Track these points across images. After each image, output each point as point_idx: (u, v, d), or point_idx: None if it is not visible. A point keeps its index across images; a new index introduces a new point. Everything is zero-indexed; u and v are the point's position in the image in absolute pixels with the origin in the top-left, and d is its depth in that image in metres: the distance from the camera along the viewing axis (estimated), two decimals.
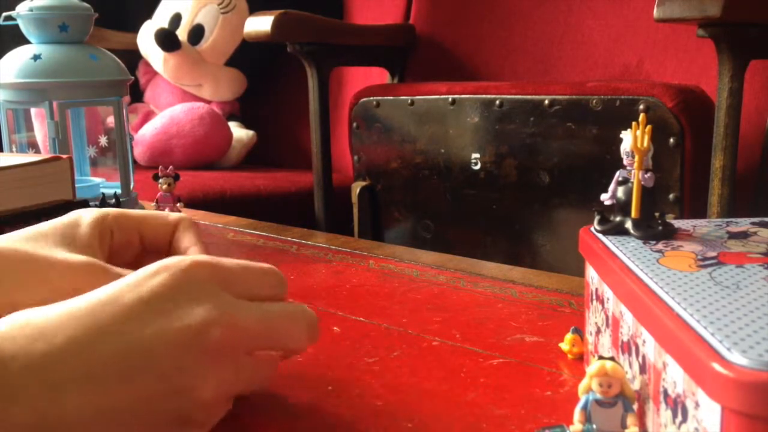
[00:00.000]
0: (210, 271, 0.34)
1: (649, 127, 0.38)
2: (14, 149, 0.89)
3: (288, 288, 0.40)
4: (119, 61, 0.87)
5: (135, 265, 0.42)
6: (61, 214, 0.69)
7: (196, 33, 1.80)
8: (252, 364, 0.35)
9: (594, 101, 1.05)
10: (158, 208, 0.86)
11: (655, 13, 0.82)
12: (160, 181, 0.85)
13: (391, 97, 1.29)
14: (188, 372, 0.31)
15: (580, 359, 0.45)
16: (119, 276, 0.38)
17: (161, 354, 0.31)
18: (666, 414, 0.29)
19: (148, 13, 1.89)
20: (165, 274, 0.33)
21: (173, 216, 0.45)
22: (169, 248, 0.45)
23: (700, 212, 0.96)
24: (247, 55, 1.82)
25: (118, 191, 0.85)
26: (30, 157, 0.72)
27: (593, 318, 0.41)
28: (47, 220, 0.67)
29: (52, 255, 0.39)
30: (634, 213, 0.39)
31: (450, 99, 1.21)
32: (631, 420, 0.30)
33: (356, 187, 1.35)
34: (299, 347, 0.38)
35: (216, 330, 0.32)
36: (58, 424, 0.28)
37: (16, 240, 0.40)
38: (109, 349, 0.30)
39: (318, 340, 0.38)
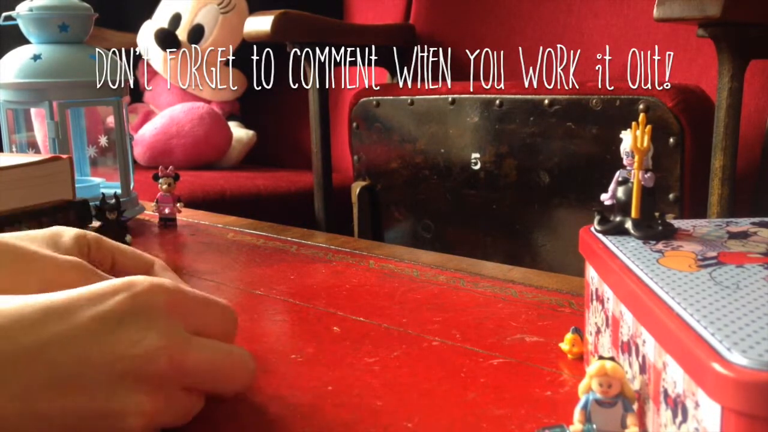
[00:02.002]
0: (168, 298, 0.34)
1: (649, 127, 0.38)
2: (14, 149, 0.88)
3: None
4: (119, 61, 0.87)
5: None
6: (61, 214, 0.69)
7: (196, 33, 1.80)
8: (185, 400, 0.34)
9: (594, 101, 1.05)
10: (158, 208, 0.86)
11: (655, 12, 0.82)
12: (160, 181, 0.85)
13: (391, 97, 1.29)
14: (122, 399, 0.31)
15: (580, 359, 0.45)
16: (105, 278, 0.39)
17: (100, 377, 0.31)
18: (666, 414, 0.29)
19: (148, 13, 1.89)
20: (124, 294, 0.33)
21: (147, 255, 0.47)
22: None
23: (700, 212, 0.96)
24: (247, 55, 1.82)
25: (118, 191, 0.84)
26: (30, 157, 0.72)
27: (593, 318, 0.41)
28: (47, 220, 0.67)
29: (41, 251, 0.40)
30: (634, 213, 0.39)
31: (450, 99, 1.21)
32: (631, 420, 0.30)
33: (356, 187, 1.35)
34: (233, 392, 0.37)
35: (162, 360, 0.32)
36: None
37: (4, 237, 0.40)
38: (53, 360, 0.30)
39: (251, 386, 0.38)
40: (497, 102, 1.15)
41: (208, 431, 0.37)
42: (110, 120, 0.97)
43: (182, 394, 0.34)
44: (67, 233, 0.44)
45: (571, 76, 1.37)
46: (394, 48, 1.60)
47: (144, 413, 0.32)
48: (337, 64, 1.54)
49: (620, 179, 0.40)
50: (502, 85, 1.17)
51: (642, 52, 1.31)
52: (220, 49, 1.81)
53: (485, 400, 0.39)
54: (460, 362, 0.45)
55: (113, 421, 0.31)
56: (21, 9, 0.84)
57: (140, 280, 0.34)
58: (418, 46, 1.63)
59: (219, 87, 1.82)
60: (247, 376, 0.37)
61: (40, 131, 0.91)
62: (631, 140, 0.38)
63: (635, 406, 0.31)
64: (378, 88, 1.36)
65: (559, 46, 1.41)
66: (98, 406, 0.31)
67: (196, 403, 0.35)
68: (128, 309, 0.32)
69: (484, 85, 1.20)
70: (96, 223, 0.72)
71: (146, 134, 1.65)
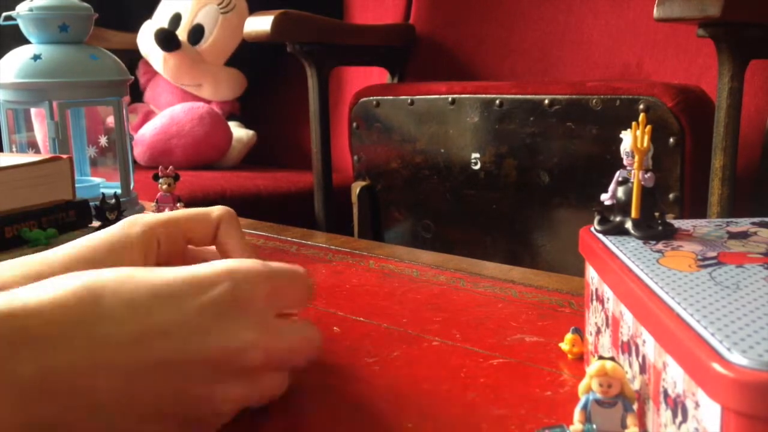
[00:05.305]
0: (264, 287, 0.35)
1: (649, 127, 0.38)
2: (14, 149, 0.89)
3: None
4: (119, 61, 0.87)
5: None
6: (62, 214, 0.69)
7: (196, 33, 1.80)
8: (272, 381, 0.37)
9: (594, 101, 1.05)
10: (158, 208, 0.86)
11: (655, 12, 0.82)
12: (160, 181, 0.85)
13: (391, 97, 1.29)
14: (215, 386, 0.34)
15: (580, 359, 0.45)
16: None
17: (197, 365, 0.33)
18: (666, 414, 0.29)
19: (148, 13, 1.89)
20: (227, 285, 0.34)
21: (215, 212, 0.45)
22: (212, 243, 0.46)
23: (700, 212, 0.96)
24: (247, 55, 1.82)
25: (118, 191, 0.84)
26: (30, 157, 0.72)
27: (593, 318, 0.41)
28: (47, 220, 0.67)
29: None
30: (634, 213, 0.39)
31: (450, 99, 1.21)
32: (631, 420, 0.30)
33: (356, 187, 1.35)
34: (304, 365, 0.40)
35: (254, 354, 0.34)
36: (86, 387, 0.31)
37: (67, 259, 0.41)
38: (155, 347, 0.32)
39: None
40: (497, 102, 1.15)
41: None
42: (110, 120, 0.97)
43: (269, 377, 0.36)
44: (135, 232, 0.43)
45: (571, 76, 1.38)
46: (394, 48, 1.60)
47: (235, 399, 0.34)
48: (337, 64, 1.55)
49: (620, 179, 0.40)
50: (502, 85, 1.17)
51: (642, 52, 1.31)
52: (220, 49, 1.81)
53: (485, 400, 0.39)
54: (460, 362, 0.45)
55: (205, 405, 0.34)
56: (21, 9, 0.84)
57: (241, 268, 0.35)
58: (418, 46, 1.63)
59: (219, 87, 1.82)
60: (316, 351, 0.39)
61: (40, 131, 0.91)
62: (631, 140, 0.38)
63: (635, 406, 0.31)
64: (378, 88, 1.36)
65: (558, 46, 1.41)
66: (193, 391, 0.33)
67: (283, 382, 0.37)
68: (229, 300, 0.34)
69: (484, 85, 1.20)
70: (96, 223, 0.72)
71: (146, 134, 1.65)
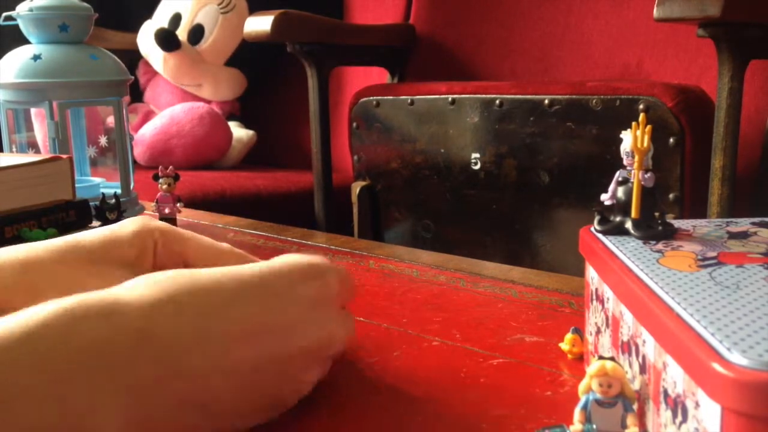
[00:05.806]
0: (338, 286, 0.39)
1: (649, 127, 0.38)
2: (14, 149, 0.89)
3: None
4: (119, 61, 0.87)
5: None
6: (62, 214, 0.69)
7: (196, 33, 1.80)
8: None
9: (594, 101, 1.05)
10: (158, 208, 0.86)
11: (655, 12, 0.82)
12: (160, 181, 0.84)
13: (391, 97, 1.29)
14: (304, 374, 0.37)
15: (580, 359, 0.45)
16: None
17: (295, 357, 0.36)
18: (666, 414, 0.29)
19: (148, 13, 1.89)
20: (318, 283, 0.37)
21: (221, 245, 0.46)
22: None
23: (700, 212, 0.96)
24: (247, 55, 1.82)
25: (118, 191, 0.84)
26: (30, 157, 0.72)
27: (593, 318, 0.41)
28: (47, 220, 0.67)
29: (81, 277, 0.40)
30: (634, 213, 0.39)
31: (450, 99, 1.21)
32: (631, 420, 0.30)
33: (356, 187, 1.35)
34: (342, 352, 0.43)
35: (338, 342, 0.38)
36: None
37: (51, 252, 0.40)
38: (265, 346, 0.34)
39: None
40: (497, 102, 1.15)
41: None
42: (110, 120, 0.97)
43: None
44: (126, 232, 0.42)
45: (571, 76, 1.37)
46: (394, 48, 1.60)
47: (313, 383, 0.38)
48: (337, 64, 1.55)
49: (620, 179, 0.40)
50: (502, 85, 1.17)
51: (642, 52, 1.31)
52: (220, 49, 1.81)
53: (485, 400, 0.39)
54: (460, 362, 0.45)
55: (293, 392, 0.37)
56: (21, 9, 0.84)
57: (327, 268, 0.38)
58: (418, 46, 1.63)
59: (219, 87, 1.82)
60: (353, 339, 0.41)
61: (40, 131, 0.91)
62: (631, 140, 0.38)
63: (635, 406, 0.31)
64: (378, 88, 1.36)
65: (558, 46, 1.41)
66: (287, 381, 0.36)
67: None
68: (320, 294, 0.37)
69: (484, 85, 1.20)
70: (96, 223, 0.72)
71: (146, 134, 1.65)
